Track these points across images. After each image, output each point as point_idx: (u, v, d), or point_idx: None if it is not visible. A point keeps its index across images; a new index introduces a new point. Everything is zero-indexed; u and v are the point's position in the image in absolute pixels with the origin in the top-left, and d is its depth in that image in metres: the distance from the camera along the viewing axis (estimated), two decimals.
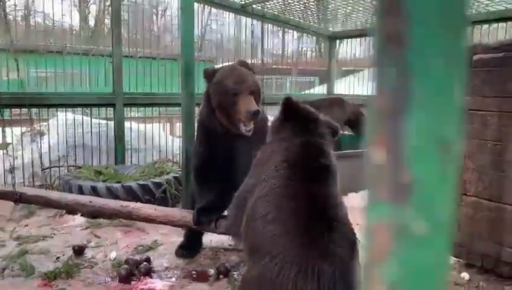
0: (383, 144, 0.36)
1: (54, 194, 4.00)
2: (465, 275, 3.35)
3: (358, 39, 8.52)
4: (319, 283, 1.80)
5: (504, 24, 6.28)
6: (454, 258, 3.62)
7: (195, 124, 3.56)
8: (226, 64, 4.33)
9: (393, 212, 0.36)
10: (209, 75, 3.15)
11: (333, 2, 6.87)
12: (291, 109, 2.41)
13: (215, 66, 4.58)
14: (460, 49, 0.35)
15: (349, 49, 9.07)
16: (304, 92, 10.14)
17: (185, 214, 3.30)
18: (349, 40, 8.63)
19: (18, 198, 3.79)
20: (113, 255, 3.62)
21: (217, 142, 3.15)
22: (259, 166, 2.35)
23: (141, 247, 3.84)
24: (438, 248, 0.36)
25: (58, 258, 3.60)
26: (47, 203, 3.91)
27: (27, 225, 4.31)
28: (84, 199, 3.80)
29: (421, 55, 0.34)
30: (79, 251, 3.66)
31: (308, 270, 1.82)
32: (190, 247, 3.73)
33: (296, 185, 2.07)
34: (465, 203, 3.49)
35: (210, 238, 3.99)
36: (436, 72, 0.34)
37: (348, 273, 1.87)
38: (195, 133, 3.52)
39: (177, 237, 4.09)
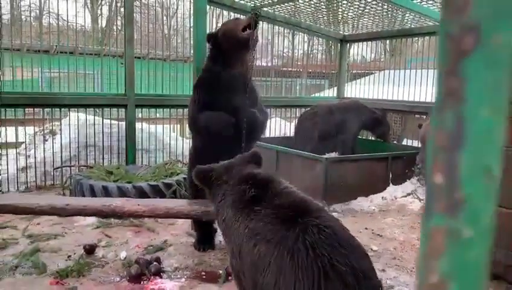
0: (441, 170, 0.49)
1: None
2: None
3: (369, 42, 8.51)
4: (296, 261, 1.82)
5: None
6: None
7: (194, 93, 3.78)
8: None
9: (448, 221, 0.49)
10: (211, 36, 3.72)
11: (344, 4, 6.86)
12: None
13: None
14: (502, 101, 0.50)
15: (360, 51, 9.07)
16: (313, 95, 10.11)
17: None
18: (359, 43, 8.62)
19: None
20: (123, 254, 3.64)
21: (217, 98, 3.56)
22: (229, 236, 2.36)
23: (151, 247, 3.87)
24: (481, 248, 0.49)
25: (69, 256, 3.63)
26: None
27: (39, 223, 4.36)
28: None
29: (473, 107, 0.48)
30: (90, 250, 3.69)
31: (284, 253, 1.86)
32: (206, 240, 3.93)
33: (260, 215, 2.09)
34: None
35: (219, 239, 4.01)
36: (483, 119, 0.48)
37: (331, 251, 1.82)
38: (194, 100, 3.69)
39: (186, 238, 4.12)
